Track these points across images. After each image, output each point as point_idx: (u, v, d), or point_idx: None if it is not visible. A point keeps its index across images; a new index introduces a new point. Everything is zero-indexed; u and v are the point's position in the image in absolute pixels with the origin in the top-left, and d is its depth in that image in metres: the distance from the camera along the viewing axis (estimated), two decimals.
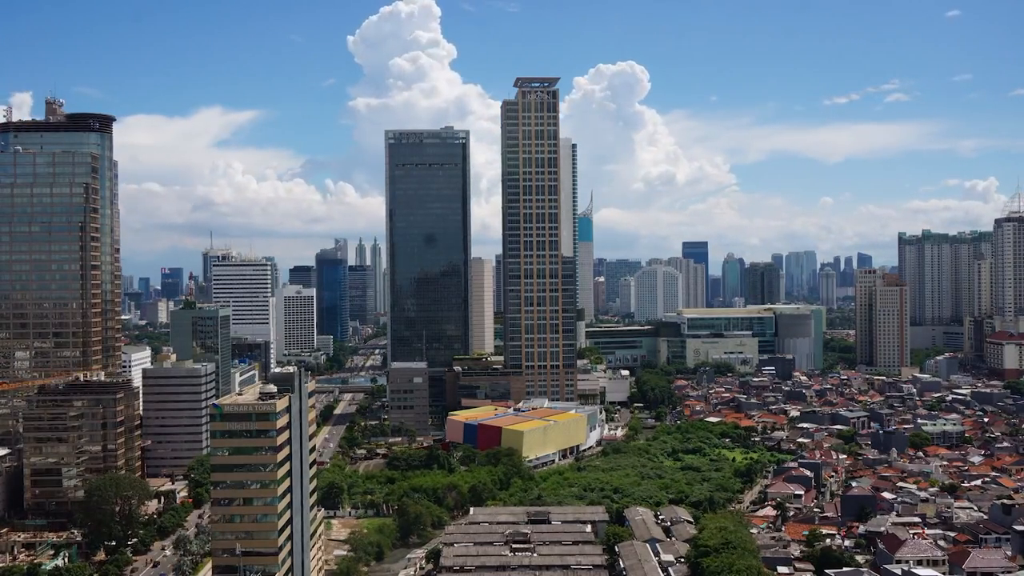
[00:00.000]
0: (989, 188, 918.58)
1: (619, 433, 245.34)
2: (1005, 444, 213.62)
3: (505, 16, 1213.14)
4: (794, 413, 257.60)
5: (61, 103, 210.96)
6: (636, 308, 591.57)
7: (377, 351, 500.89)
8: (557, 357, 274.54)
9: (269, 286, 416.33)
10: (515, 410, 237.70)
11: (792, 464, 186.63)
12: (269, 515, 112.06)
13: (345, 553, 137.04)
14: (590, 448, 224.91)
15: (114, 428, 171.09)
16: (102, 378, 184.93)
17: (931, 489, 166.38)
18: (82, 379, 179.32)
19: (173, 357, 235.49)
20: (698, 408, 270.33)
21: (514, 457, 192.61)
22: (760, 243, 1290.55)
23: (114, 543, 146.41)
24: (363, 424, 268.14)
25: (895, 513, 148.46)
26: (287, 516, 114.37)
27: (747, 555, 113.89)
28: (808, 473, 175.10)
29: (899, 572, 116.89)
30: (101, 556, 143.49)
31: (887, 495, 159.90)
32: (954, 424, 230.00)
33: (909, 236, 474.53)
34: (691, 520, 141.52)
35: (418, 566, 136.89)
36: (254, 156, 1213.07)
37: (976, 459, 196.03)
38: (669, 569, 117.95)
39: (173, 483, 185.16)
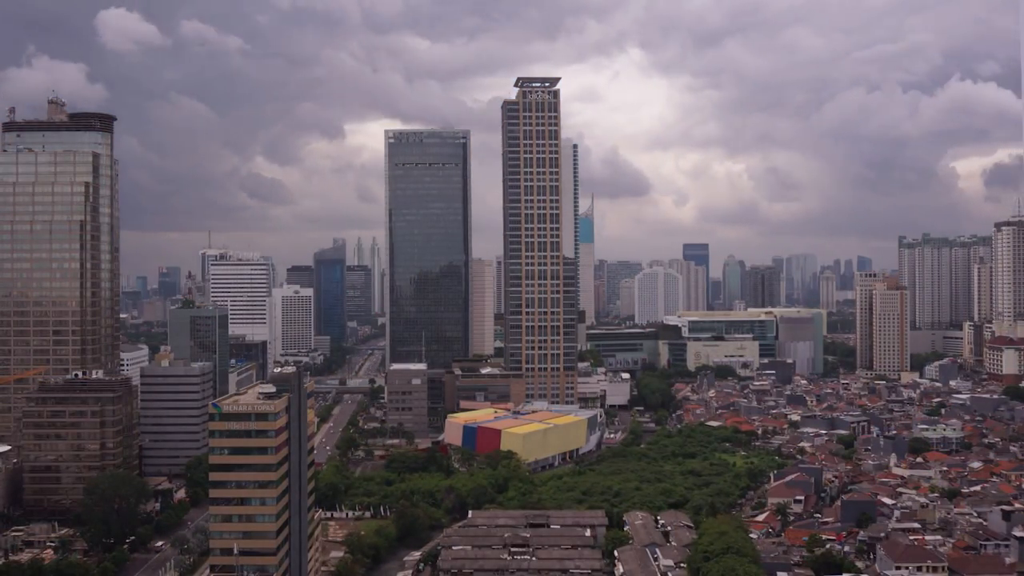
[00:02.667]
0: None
1: (619, 436, 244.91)
2: (1004, 449, 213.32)
3: None
4: (794, 417, 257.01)
5: (63, 103, 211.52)
6: (637, 310, 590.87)
7: (375, 351, 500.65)
8: (557, 359, 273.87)
9: (267, 285, 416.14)
10: (515, 413, 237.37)
11: (792, 469, 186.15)
12: (267, 515, 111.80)
13: (342, 555, 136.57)
14: (590, 452, 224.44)
15: (112, 427, 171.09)
16: (101, 376, 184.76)
17: (931, 495, 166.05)
18: (80, 377, 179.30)
19: (171, 356, 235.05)
20: (698, 411, 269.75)
21: (513, 460, 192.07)
22: (761, 244, 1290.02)
23: (112, 541, 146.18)
24: (361, 425, 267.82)
25: (895, 519, 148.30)
26: (285, 517, 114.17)
27: (747, 560, 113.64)
28: (808, 478, 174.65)
29: None
30: (100, 554, 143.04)
31: (887, 500, 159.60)
32: (954, 429, 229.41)
33: (909, 240, 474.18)
34: (691, 525, 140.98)
35: (415, 568, 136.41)
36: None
37: (976, 464, 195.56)
38: (668, 574, 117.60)
39: (170, 482, 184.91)
